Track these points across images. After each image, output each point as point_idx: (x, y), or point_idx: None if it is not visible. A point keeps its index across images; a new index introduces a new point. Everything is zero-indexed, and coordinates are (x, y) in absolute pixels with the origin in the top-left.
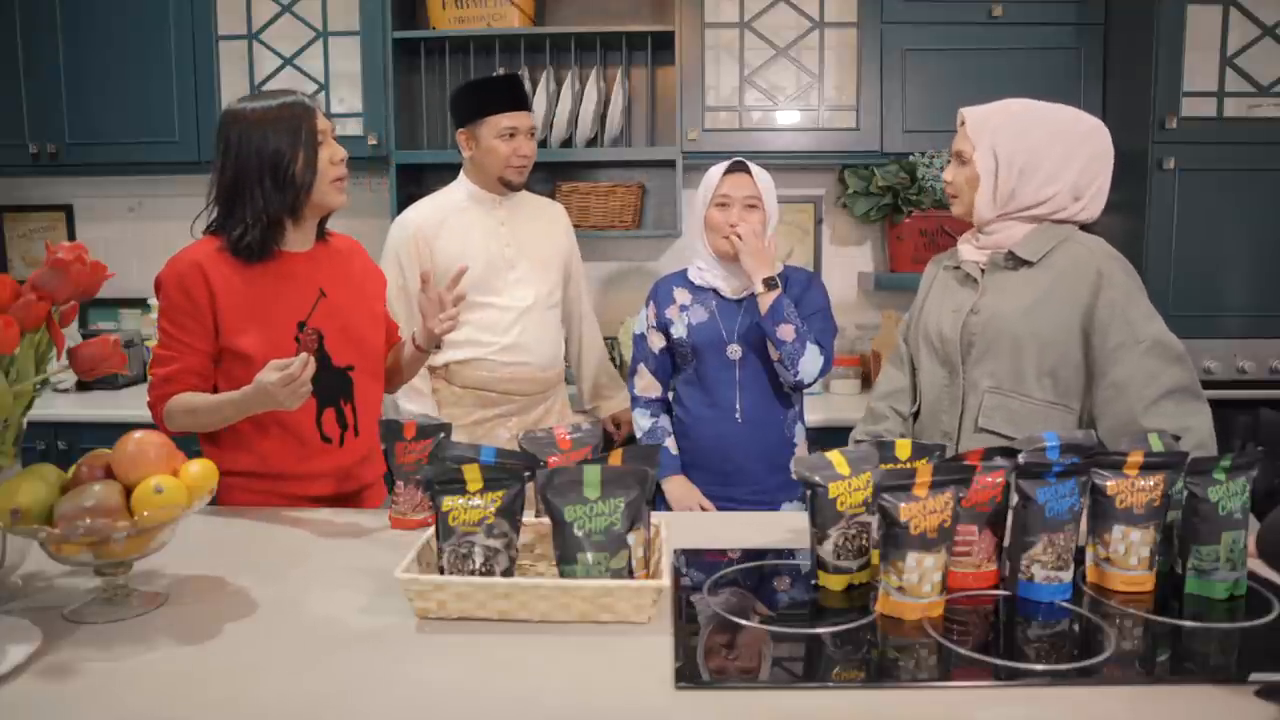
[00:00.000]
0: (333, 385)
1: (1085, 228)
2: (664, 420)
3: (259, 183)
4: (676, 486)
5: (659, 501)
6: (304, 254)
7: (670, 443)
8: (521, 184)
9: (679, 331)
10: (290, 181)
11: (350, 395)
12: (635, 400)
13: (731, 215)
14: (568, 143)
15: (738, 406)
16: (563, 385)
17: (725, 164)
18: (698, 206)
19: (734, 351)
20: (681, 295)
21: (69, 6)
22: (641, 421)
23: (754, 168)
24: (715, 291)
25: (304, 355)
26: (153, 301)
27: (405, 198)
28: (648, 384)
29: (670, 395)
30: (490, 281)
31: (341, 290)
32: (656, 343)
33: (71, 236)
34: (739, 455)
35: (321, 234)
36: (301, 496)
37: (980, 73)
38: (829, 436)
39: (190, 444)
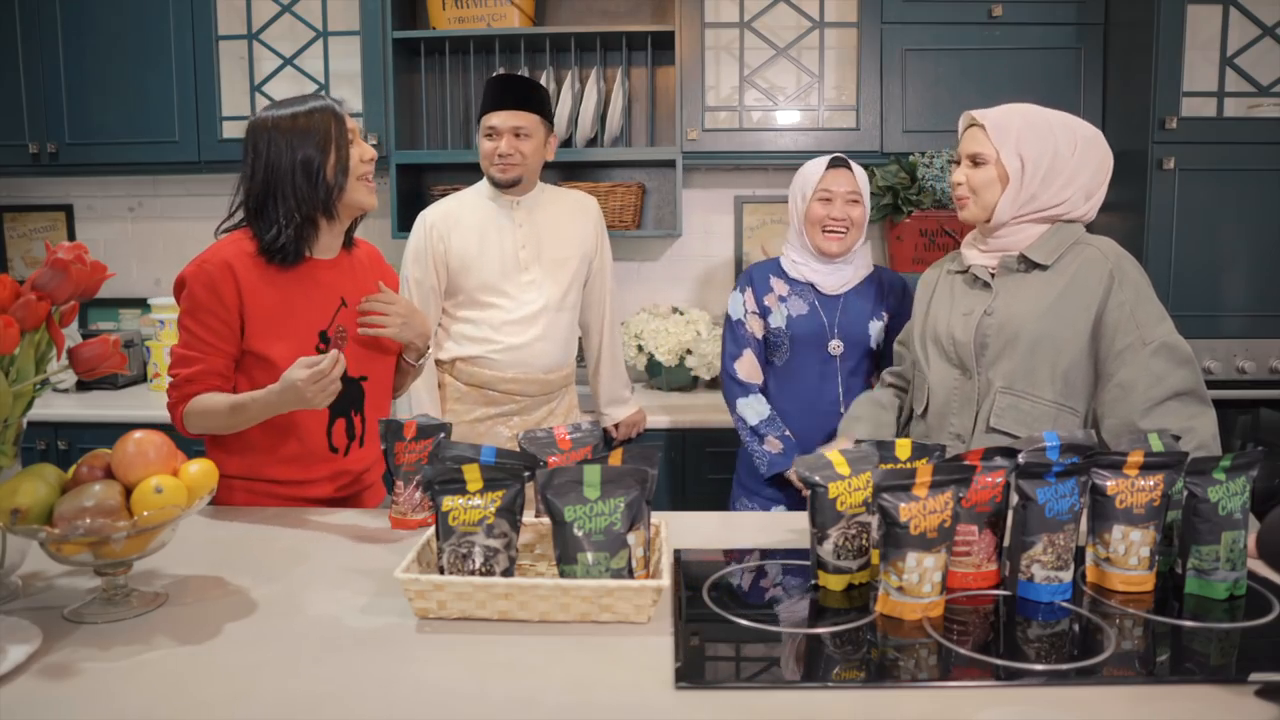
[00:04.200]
0: (346, 395)
1: (1087, 227)
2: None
3: (290, 182)
4: None
5: (785, 497)
6: (329, 261)
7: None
8: (508, 182)
9: (777, 322)
10: (323, 183)
11: (361, 406)
12: (743, 386)
13: (835, 209)
14: (568, 143)
15: (840, 400)
16: (571, 387)
17: (825, 159)
18: (795, 201)
19: (835, 347)
20: (779, 285)
21: (69, 6)
22: (758, 407)
23: (853, 164)
24: (813, 286)
25: (334, 352)
26: (154, 301)
27: (405, 198)
28: (751, 370)
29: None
30: (501, 282)
31: (360, 299)
32: (758, 329)
33: (71, 236)
34: None
35: (349, 241)
36: (299, 498)
37: (980, 73)
38: None
39: (192, 445)
